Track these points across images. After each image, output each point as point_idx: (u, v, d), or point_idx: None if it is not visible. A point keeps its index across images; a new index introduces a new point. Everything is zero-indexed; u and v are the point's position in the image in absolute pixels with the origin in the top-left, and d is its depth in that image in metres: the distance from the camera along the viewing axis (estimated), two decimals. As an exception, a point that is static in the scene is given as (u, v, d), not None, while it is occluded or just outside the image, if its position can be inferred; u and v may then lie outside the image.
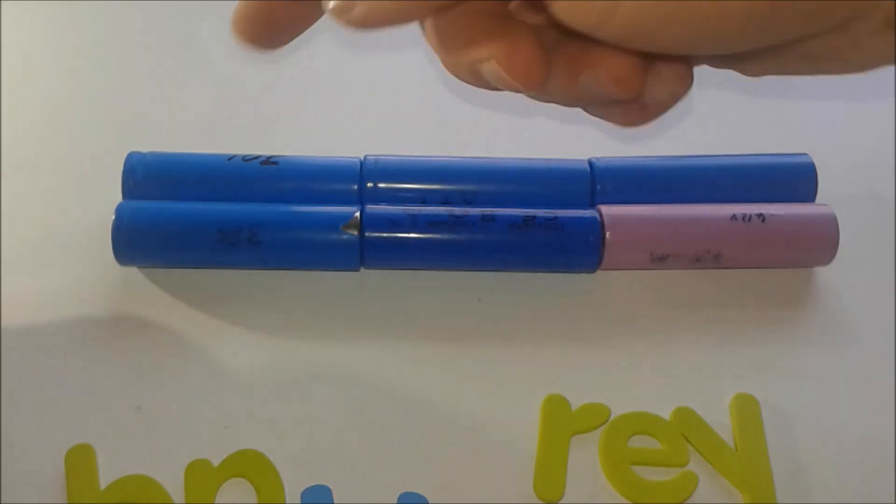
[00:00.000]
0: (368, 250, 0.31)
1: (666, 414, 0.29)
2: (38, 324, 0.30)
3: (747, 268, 0.33)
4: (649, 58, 0.20)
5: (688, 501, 0.27)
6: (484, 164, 0.33)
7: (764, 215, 0.32)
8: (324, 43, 0.41)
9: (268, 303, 0.31)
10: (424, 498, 0.27)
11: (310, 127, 0.37)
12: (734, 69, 0.21)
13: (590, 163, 0.33)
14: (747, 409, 0.29)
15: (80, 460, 0.27)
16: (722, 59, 0.21)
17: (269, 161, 0.32)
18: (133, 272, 0.32)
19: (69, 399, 0.28)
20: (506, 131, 0.38)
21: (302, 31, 0.21)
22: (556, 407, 0.29)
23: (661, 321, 0.31)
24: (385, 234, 0.31)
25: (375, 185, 0.32)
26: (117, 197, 0.32)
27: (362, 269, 0.32)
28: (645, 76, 0.21)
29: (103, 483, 0.26)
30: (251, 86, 0.39)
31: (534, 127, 0.38)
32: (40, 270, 0.32)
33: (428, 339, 0.30)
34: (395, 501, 0.27)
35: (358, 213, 0.31)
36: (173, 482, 0.27)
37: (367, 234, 0.31)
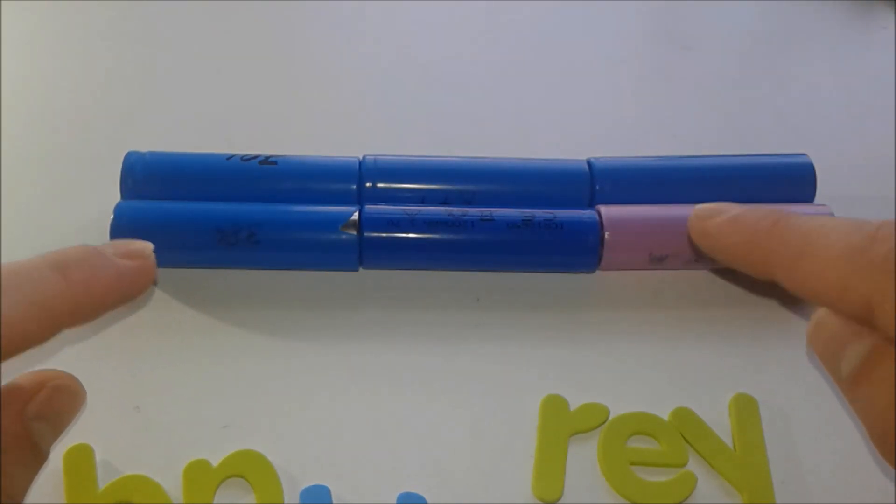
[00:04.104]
0: (367, 250, 0.31)
1: (665, 414, 0.28)
2: (37, 323, 0.30)
3: (746, 268, 0.32)
4: None
5: (686, 501, 0.27)
6: (483, 164, 0.33)
7: (763, 215, 0.31)
8: (323, 42, 0.41)
9: (266, 302, 0.31)
10: (423, 498, 0.26)
11: (309, 126, 0.37)
12: None
13: (589, 163, 0.33)
14: (746, 409, 0.29)
15: (78, 460, 0.27)
16: None
17: (267, 161, 0.32)
18: (132, 272, 0.32)
19: (67, 399, 0.28)
20: (505, 131, 0.38)
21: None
22: (554, 407, 0.28)
23: (660, 321, 0.31)
24: (384, 234, 0.31)
25: (374, 184, 0.32)
26: (116, 196, 0.32)
27: (361, 269, 0.32)
28: None
29: (101, 483, 0.26)
30: (251, 86, 0.39)
31: (533, 127, 0.38)
32: (39, 270, 0.32)
33: (426, 339, 0.30)
34: (394, 501, 0.26)
35: (357, 213, 0.31)
36: (172, 482, 0.26)
37: (365, 234, 0.31)
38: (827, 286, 0.20)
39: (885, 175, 0.36)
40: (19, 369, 0.29)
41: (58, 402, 0.22)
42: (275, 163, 0.32)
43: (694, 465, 0.28)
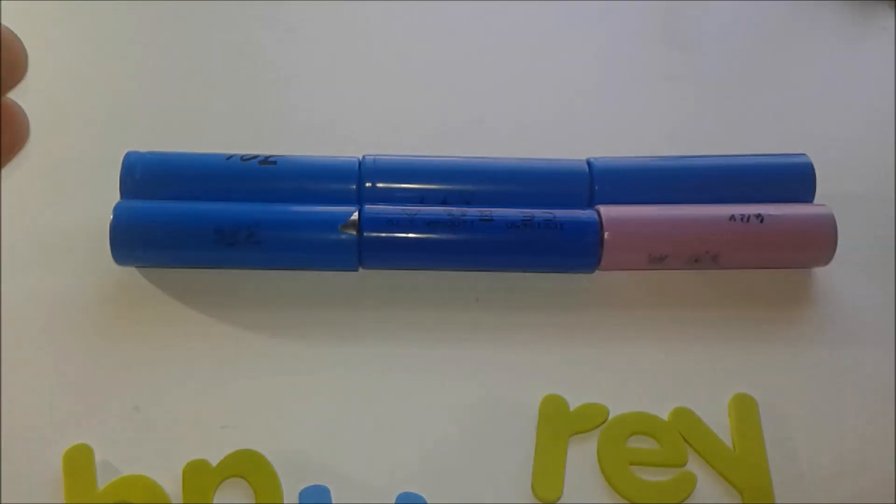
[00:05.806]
0: (367, 250, 0.31)
1: (664, 414, 0.28)
2: (36, 323, 0.30)
3: (746, 268, 0.33)
4: None
5: (686, 501, 0.27)
6: (482, 164, 0.33)
7: (762, 216, 0.31)
8: (323, 42, 0.41)
9: (266, 303, 0.31)
10: (422, 498, 0.26)
11: (308, 126, 0.37)
12: None
13: (588, 163, 0.33)
14: (745, 410, 0.29)
15: (77, 460, 0.27)
16: None
17: (267, 160, 0.32)
18: (131, 272, 0.32)
19: (67, 399, 0.28)
20: (505, 131, 0.38)
21: None
22: (554, 407, 0.28)
23: (660, 322, 0.31)
24: (383, 234, 0.31)
25: (374, 184, 0.32)
26: (115, 196, 0.32)
27: (361, 269, 0.32)
28: None
29: (101, 483, 0.26)
30: (250, 85, 0.39)
31: (532, 127, 0.38)
32: (38, 270, 0.32)
33: (426, 338, 0.30)
34: (394, 501, 0.26)
35: (356, 213, 0.31)
36: (171, 482, 0.26)
37: (365, 234, 0.31)
38: None
39: (885, 175, 0.36)
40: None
41: None
42: (274, 163, 0.32)
43: (693, 466, 0.28)
